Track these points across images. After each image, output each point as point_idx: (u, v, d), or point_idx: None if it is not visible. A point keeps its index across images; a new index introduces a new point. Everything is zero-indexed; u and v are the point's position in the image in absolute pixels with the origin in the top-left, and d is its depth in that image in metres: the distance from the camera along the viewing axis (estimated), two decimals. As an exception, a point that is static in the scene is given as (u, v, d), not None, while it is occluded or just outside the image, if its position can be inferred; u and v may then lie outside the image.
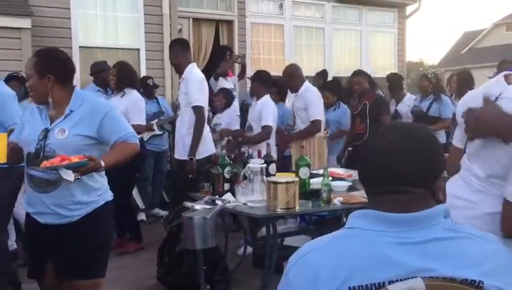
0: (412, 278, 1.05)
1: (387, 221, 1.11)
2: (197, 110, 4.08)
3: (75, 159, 2.15)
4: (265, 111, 4.65)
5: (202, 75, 4.27)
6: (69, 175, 2.11)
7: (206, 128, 4.27)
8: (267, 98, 4.81)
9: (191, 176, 3.98)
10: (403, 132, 1.18)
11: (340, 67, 9.71)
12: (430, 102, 5.71)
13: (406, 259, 1.07)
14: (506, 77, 1.63)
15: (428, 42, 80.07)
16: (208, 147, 4.19)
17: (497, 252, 1.14)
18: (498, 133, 1.52)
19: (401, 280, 1.05)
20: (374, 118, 4.96)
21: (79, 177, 2.18)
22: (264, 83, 4.93)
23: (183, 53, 4.30)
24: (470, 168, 1.64)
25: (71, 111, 2.34)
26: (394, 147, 1.14)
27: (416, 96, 6.24)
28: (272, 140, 4.73)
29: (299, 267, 1.14)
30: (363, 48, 9.93)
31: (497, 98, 1.56)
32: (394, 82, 6.49)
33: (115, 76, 4.73)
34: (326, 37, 9.52)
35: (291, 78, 4.96)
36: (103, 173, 2.45)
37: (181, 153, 4.19)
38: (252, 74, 5.02)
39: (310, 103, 4.84)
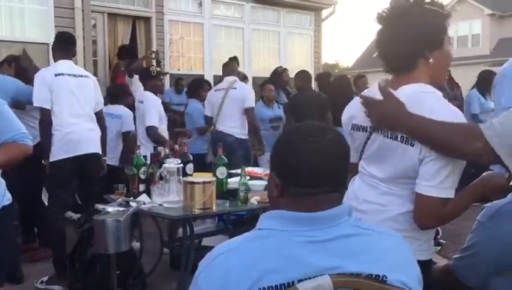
0: (320, 275, 1.06)
1: (297, 221, 1.12)
2: (39, 111, 3.85)
3: None
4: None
5: (58, 71, 3.87)
6: None
7: (69, 129, 3.85)
8: None
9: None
10: (334, 131, 1.21)
11: (259, 68, 9.83)
12: None
13: (314, 258, 1.08)
14: (387, 82, 1.66)
15: (344, 45, 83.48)
16: (68, 148, 3.83)
17: (398, 247, 1.19)
18: (400, 130, 1.57)
19: (309, 278, 1.06)
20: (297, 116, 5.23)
21: None
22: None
23: (55, 48, 4.03)
24: (371, 173, 1.68)
25: None
26: (336, 147, 1.17)
27: None
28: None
29: (209, 270, 1.11)
30: (281, 49, 10.12)
31: None
32: (323, 81, 6.69)
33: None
34: (246, 37, 9.58)
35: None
36: None
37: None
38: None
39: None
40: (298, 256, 1.08)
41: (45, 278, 3.76)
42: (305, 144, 1.15)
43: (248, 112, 5.29)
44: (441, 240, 4.48)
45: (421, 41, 1.57)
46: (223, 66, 5.85)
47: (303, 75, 6.46)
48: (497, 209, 1.68)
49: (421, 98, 1.55)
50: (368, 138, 1.67)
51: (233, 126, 5.28)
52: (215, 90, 5.55)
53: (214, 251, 1.15)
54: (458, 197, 1.57)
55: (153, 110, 4.65)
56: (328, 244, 1.10)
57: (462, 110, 6.86)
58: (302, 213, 1.12)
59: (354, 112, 1.74)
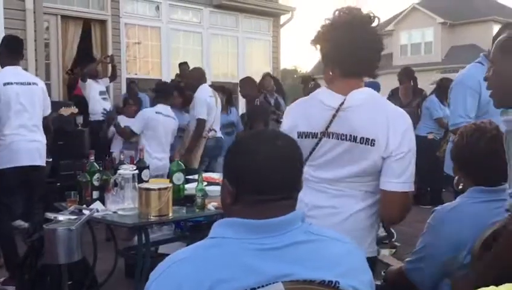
0: (273, 283, 1.05)
1: (250, 228, 1.11)
2: None
3: None
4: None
5: (7, 80, 3.80)
6: None
7: (12, 139, 3.79)
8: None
9: None
10: (287, 137, 1.21)
11: (218, 72, 9.80)
12: None
13: (267, 265, 1.07)
14: (332, 87, 1.74)
15: (302, 51, 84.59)
16: (9, 159, 3.77)
17: (351, 252, 1.19)
18: None
19: (263, 286, 1.05)
20: (250, 125, 5.15)
21: None
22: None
23: (2, 53, 3.91)
24: (319, 177, 1.72)
25: None
26: (289, 153, 1.16)
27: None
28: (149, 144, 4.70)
29: (161, 281, 1.09)
30: (240, 54, 10.13)
31: (338, 109, 1.66)
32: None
33: None
34: (204, 41, 9.54)
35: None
36: None
37: None
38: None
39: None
40: (251, 264, 1.06)
41: (1, 279, 3.79)
42: (258, 151, 1.14)
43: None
44: (396, 243, 4.57)
45: (380, 54, 1.73)
46: (196, 72, 5.75)
47: (252, 81, 6.53)
48: (447, 213, 1.73)
49: (376, 101, 1.70)
50: (317, 144, 1.69)
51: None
52: (210, 96, 5.47)
53: (165, 261, 1.13)
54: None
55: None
56: (281, 252, 1.09)
57: (417, 116, 7.02)
58: (254, 221, 1.11)
59: (297, 120, 1.76)
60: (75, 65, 7.59)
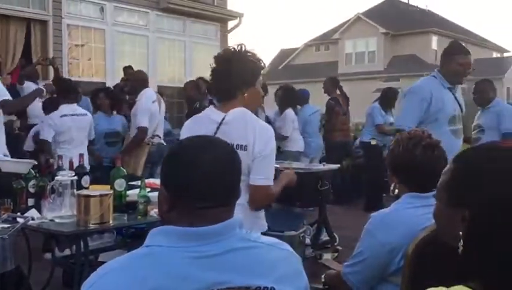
0: (209, 291, 1.05)
1: (185, 236, 1.10)
2: None
3: None
4: None
5: None
6: None
7: None
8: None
9: None
10: (224, 144, 1.21)
11: (165, 77, 9.69)
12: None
13: (202, 273, 1.06)
14: (217, 107, 2.25)
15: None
16: None
17: (287, 258, 1.20)
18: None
19: None
20: None
21: None
22: None
23: None
24: None
25: None
26: (225, 160, 1.16)
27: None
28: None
29: None
30: (187, 59, 10.07)
31: (220, 123, 2.13)
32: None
33: None
34: (150, 45, 9.41)
35: None
36: None
37: None
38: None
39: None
40: (186, 272, 1.05)
41: None
42: (194, 157, 1.13)
43: None
44: (338, 247, 4.67)
45: (239, 80, 2.15)
46: (139, 76, 5.60)
47: (194, 85, 6.52)
48: (382, 218, 1.79)
49: (248, 117, 2.16)
50: None
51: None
52: (153, 102, 5.31)
53: (97, 271, 1.10)
54: (275, 185, 2.23)
55: None
56: (216, 259, 1.09)
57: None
58: (189, 228, 1.10)
59: (192, 132, 2.03)
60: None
